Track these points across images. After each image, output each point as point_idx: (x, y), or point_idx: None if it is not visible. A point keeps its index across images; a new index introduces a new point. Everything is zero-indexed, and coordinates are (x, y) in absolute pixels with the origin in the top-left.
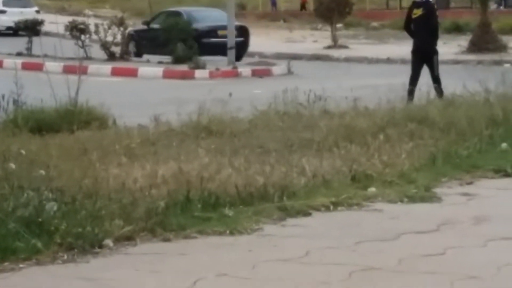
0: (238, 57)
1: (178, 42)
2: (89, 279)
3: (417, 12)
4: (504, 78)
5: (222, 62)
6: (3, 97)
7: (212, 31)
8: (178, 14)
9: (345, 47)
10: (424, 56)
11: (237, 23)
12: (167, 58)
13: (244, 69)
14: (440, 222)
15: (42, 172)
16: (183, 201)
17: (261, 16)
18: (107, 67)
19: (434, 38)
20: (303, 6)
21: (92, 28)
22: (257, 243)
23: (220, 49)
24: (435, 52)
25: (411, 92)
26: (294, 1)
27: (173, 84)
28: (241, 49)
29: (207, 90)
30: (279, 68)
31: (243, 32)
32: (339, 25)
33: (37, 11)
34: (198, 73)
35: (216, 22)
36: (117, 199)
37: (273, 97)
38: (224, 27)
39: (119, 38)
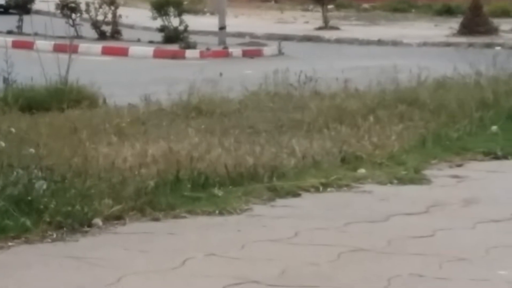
0: None
1: None
2: (78, 258)
3: None
4: (495, 61)
5: (213, 42)
6: None
7: None
8: None
9: (336, 28)
10: None
11: None
12: (158, 37)
13: (235, 49)
14: (430, 204)
15: (32, 150)
16: (172, 181)
17: None
18: (98, 46)
19: None
20: None
21: (83, 7)
22: (246, 223)
23: None
24: None
25: None
26: None
27: (163, 64)
28: None
29: (197, 70)
30: (270, 48)
31: None
32: (330, 6)
33: None
34: (188, 53)
35: None
36: (107, 178)
37: (264, 78)
38: None
39: (110, 17)
